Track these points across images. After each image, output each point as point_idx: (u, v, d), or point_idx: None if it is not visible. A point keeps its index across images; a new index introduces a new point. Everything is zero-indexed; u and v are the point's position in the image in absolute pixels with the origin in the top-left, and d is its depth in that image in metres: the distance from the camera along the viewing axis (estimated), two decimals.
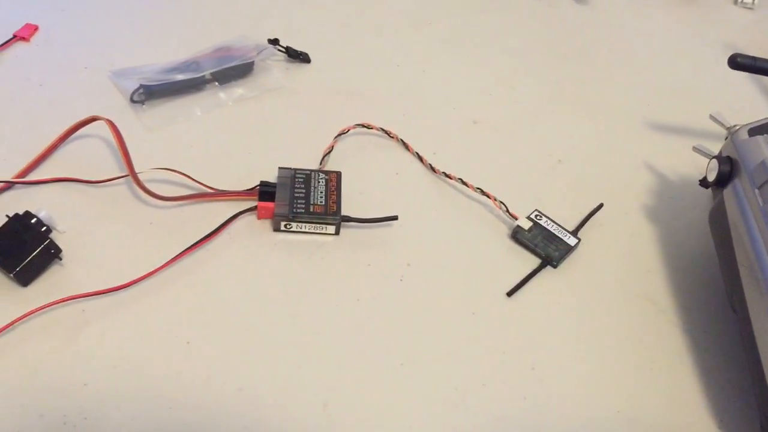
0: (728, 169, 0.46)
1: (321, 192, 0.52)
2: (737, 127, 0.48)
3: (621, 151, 0.61)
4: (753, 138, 0.46)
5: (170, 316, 0.45)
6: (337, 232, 0.51)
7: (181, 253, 0.48)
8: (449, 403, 0.43)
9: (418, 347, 0.45)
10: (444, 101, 0.64)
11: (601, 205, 0.55)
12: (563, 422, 0.43)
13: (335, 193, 0.52)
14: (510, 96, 0.66)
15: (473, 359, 0.45)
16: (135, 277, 0.46)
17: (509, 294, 0.49)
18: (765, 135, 0.46)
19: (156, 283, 0.46)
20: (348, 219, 0.51)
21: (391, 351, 0.45)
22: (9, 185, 0.50)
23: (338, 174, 0.53)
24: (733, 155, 0.47)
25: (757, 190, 0.43)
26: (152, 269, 0.46)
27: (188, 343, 0.44)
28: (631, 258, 0.53)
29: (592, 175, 0.59)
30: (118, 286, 0.45)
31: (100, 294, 0.45)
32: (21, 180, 0.51)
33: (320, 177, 0.53)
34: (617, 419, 0.43)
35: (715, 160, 0.47)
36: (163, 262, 0.47)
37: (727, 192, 0.46)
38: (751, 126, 0.48)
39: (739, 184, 0.45)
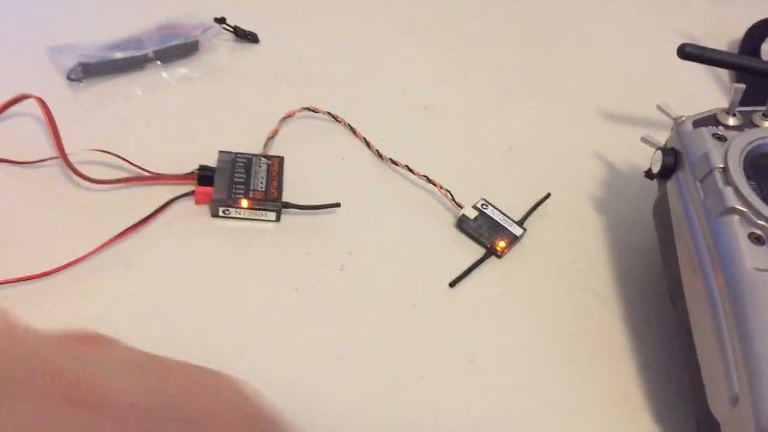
0: (672, 161, 0.46)
1: (262, 177, 0.50)
2: (683, 119, 0.48)
3: (571, 140, 0.61)
4: (697, 130, 0.46)
5: (99, 305, 0.43)
6: (277, 219, 0.50)
7: (112, 239, 0.46)
8: (385, 395, 0.42)
9: (356, 338, 0.44)
10: (395, 86, 0.63)
11: (548, 195, 0.55)
12: (501, 415, 0.42)
13: (276, 178, 0.50)
14: (463, 82, 0.65)
15: (411, 351, 0.44)
16: (63, 263, 0.44)
17: (451, 284, 0.48)
18: (709, 127, 0.46)
19: (85, 270, 0.45)
20: (289, 205, 0.50)
21: (329, 342, 0.44)
22: None
23: (281, 159, 0.52)
24: (677, 147, 0.46)
25: (698, 183, 0.43)
26: (81, 255, 0.45)
27: (116, 333, 0.42)
28: (577, 249, 0.52)
29: (541, 163, 0.58)
30: (43, 272, 0.43)
31: (25, 280, 0.43)
32: None
33: (262, 162, 0.51)
34: (555, 413, 0.43)
35: (659, 152, 0.47)
36: (93, 248, 0.45)
37: (670, 184, 0.46)
38: (696, 118, 0.47)
39: (682, 176, 0.45)
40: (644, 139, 0.52)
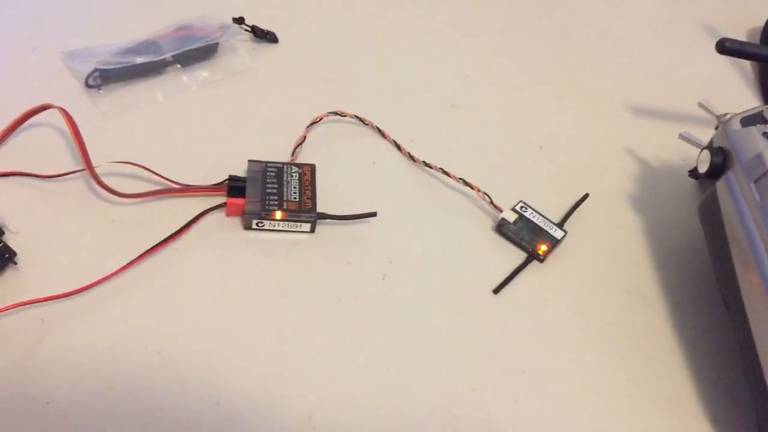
0: (720, 161, 0.45)
1: (295, 187, 0.49)
2: (728, 117, 0.47)
3: (602, 137, 0.60)
4: (746, 129, 0.45)
5: (138, 324, 0.42)
6: (312, 230, 0.48)
7: (144, 253, 0.44)
8: (439, 410, 0.41)
9: (404, 351, 0.43)
10: (420, 84, 0.61)
11: (586, 195, 0.54)
12: (557, 427, 0.41)
13: (310, 188, 0.49)
14: (488, 78, 0.63)
15: (462, 363, 0.43)
16: (95, 279, 0.42)
17: (495, 291, 0.47)
18: (759, 125, 0.45)
19: (119, 287, 0.43)
20: (324, 216, 0.48)
21: (378, 356, 0.43)
22: None
23: (312, 167, 0.50)
24: (726, 146, 0.45)
25: (753, 185, 0.42)
26: (113, 271, 0.43)
27: (159, 353, 0.41)
28: (618, 250, 0.51)
29: (575, 162, 0.57)
30: (77, 289, 0.42)
31: (59, 298, 0.41)
32: None
33: (293, 170, 0.50)
34: (612, 422, 0.42)
35: (706, 152, 0.46)
36: (125, 263, 0.43)
37: (720, 185, 0.45)
38: (744, 115, 0.46)
39: (733, 177, 0.44)
40: (683, 137, 0.52)
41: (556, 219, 0.52)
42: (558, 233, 0.50)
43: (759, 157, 0.42)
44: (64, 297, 0.42)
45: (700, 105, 0.49)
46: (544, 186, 0.54)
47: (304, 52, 0.62)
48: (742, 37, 0.74)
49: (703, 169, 0.46)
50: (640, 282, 0.50)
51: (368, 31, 0.65)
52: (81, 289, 0.42)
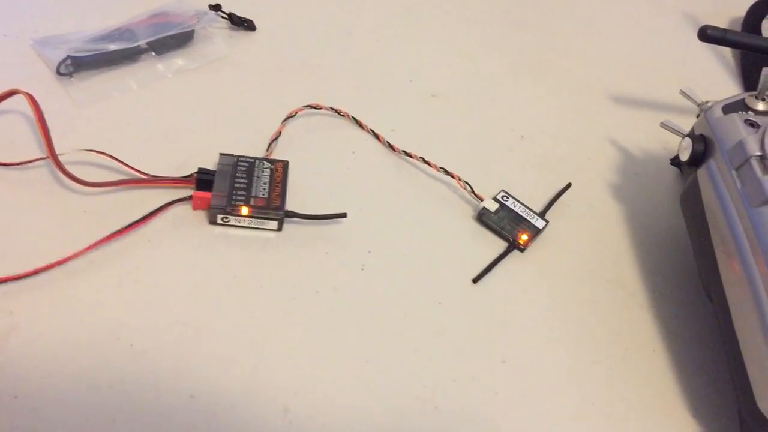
0: (702, 149, 0.45)
1: (264, 183, 0.47)
2: (710, 104, 0.47)
3: (584, 126, 0.59)
4: (728, 116, 0.44)
5: (109, 315, 0.41)
6: (279, 228, 0.47)
7: (101, 239, 0.43)
8: (419, 401, 0.40)
9: (383, 341, 0.42)
10: (400, 73, 0.60)
11: (569, 185, 0.53)
12: (538, 417, 0.41)
13: (280, 184, 0.47)
14: (469, 67, 0.63)
15: (441, 353, 0.43)
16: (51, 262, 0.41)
17: (475, 281, 0.46)
18: (740, 112, 0.44)
19: (75, 270, 0.42)
20: (292, 214, 0.47)
21: (356, 347, 0.42)
22: None
23: (285, 163, 0.49)
24: (707, 134, 0.45)
25: (734, 172, 0.42)
26: (69, 254, 0.42)
27: (131, 345, 0.40)
28: (599, 240, 0.51)
29: (556, 151, 0.56)
30: (30, 270, 0.41)
31: (12, 280, 0.40)
32: None
33: (265, 166, 0.48)
34: (592, 412, 0.42)
35: (688, 139, 0.45)
36: (84, 247, 0.42)
37: (701, 173, 0.44)
38: (725, 103, 0.46)
39: (714, 164, 0.43)
40: (664, 125, 0.51)
41: (538, 208, 0.51)
42: (540, 223, 0.50)
43: (740, 144, 0.42)
44: (17, 279, 0.40)
45: (682, 93, 0.49)
46: (525, 175, 0.54)
47: (283, 41, 0.61)
48: (724, 26, 0.74)
49: (684, 157, 0.45)
50: (622, 271, 0.49)
51: (349, 19, 0.64)
52: (36, 270, 0.41)
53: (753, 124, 0.43)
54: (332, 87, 0.57)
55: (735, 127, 0.43)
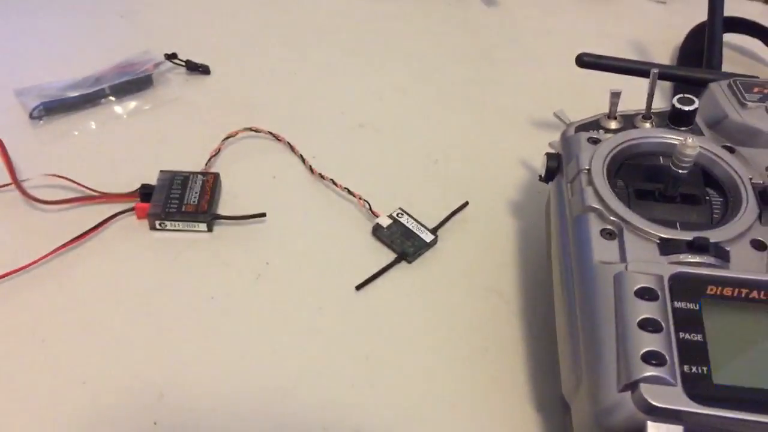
0: (555, 165, 0.48)
1: (196, 192, 0.55)
2: (572, 125, 0.50)
3: (499, 150, 0.63)
4: (576, 134, 0.48)
5: (31, 317, 0.49)
6: (209, 229, 0.55)
7: (49, 253, 0.51)
8: (281, 390, 0.46)
9: (264, 342, 0.48)
10: (334, 107, 0.67)
11: (466, 203, 0.58)
12: (388, 409, 0.45)
13: (209, 193, 0.56)
14: (401, 100, 0.68)
15: (312, 351, 0.48)
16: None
17: (358, 288, 0.52)
18: (589, 132, 0.48)
19: (21, 283, 0.50)
20: (217, 216, 0.55)
21: (235, 345, 0.48)
22: None
23: (216, 175, 0.57)
24: (560, 151, 0.49)
25: (569, 184, 0.45)
26: (17, 267, 0.50)
27: (43, 341, 0.47)
28: (489, 253, 0.55)
29: (464, 173, 0.61)
30: None
31: None
32: None
33: (198, 178, 0.57)
34: (441, 405, 0.46)
35: (544, 156, 0.49)
36: (37, 257, 0.51)
37: (552, 187, 0.48)
38: (580, 123, 0.50)
39: (561, 179, 0.47)
40: (551, 144, 0.55)
41: (433, 226, 0.56)
42: (428, 237, 0.54)
43: (576, 158, 0.45)
44: None
45: (555, 115, 0.53)
46: (431, 195, 0.59)
47: (234, 81, 0.69)
48: (669, 54, 0.76)
49: (542, 172, 0.49)
50: (503, 281, 0.53)
51: (297, 61, 0.72)
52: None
53: (595, 141, 0.47)
54: (272, 119, 0.64)
55: (577, 144, 0.47)
